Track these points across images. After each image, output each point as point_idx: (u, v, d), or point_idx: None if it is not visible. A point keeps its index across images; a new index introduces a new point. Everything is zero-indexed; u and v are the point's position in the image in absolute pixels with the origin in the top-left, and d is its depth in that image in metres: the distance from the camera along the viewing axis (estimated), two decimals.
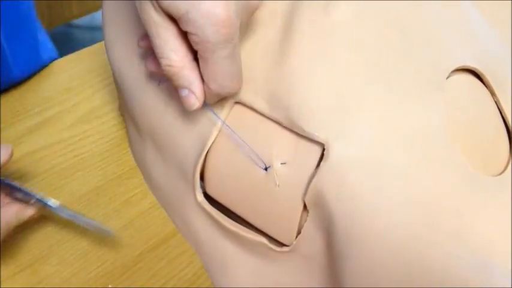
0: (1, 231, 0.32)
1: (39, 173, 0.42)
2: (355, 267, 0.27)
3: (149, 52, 0.30)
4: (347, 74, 0.29)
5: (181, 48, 0.27)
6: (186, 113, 0.33)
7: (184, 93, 0.28)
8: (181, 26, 0.26)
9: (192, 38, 0.26)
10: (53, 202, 0.34)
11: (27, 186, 0.40)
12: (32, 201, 0.34)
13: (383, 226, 0.26)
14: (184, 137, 0.34)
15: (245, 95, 0.30)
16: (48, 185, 0.41)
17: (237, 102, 0.31)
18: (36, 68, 0.51)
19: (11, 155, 0.34)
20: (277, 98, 0.29)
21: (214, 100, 0.29)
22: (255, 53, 0.31)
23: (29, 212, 0.33)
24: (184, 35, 0.27)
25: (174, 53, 0.27)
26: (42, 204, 0.34)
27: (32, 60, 0.50)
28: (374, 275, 0.27)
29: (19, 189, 0.34)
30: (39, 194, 0.34)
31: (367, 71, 0.29)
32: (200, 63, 0.27)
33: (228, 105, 0.31)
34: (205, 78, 0.28)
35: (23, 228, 0.37)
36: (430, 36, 0.31)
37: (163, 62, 0.27)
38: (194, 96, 0.28)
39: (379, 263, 0.26)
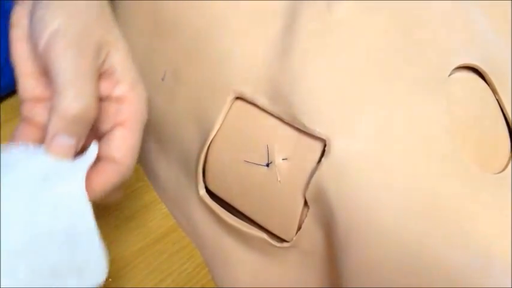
0: None
1: None
2: (355, 262, 0.27)
3: None
4: (349, 71, 0.29)
5: None
6: (189, 107, 0.33)
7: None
8: None
9: None
10: None
11: None
12: None
13: (383, 221, 0.26)
14: (187, 132, 0.34)
15: (246, 90, 0.30)
16: None
17: (238, 98, 0.31)
18: None
19: None
20: (279, 94, 0.29)
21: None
22: (257, 48, 0.31)
23: None
24: None
25: None
26: None
27: None
28: (374, 270, 0.27)
29: None
30: None
31: (369, 68, 0.29)
32: None
33: (229, 100, 0.31)
34: None
35: None
36: (433, 33, 0.31)
37: None
38: None
39: (379, 258, 0.26)
